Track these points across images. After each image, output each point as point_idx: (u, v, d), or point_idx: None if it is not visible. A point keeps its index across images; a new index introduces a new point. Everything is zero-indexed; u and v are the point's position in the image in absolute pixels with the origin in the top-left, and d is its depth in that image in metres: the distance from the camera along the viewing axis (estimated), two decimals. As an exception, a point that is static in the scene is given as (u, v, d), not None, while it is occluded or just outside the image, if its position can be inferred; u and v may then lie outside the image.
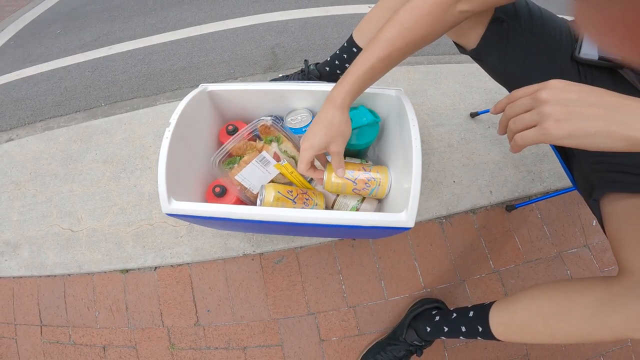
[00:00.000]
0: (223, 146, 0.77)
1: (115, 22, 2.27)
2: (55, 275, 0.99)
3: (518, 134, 0.43)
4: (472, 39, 0.68)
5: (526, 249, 0.98)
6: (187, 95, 0.71)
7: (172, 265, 0.96)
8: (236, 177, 0.74)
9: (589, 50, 0.59)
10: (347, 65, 0.94)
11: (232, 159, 0.78)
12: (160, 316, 0.92)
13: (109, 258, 0.97)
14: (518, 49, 0.65)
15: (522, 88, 0.45)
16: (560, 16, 0.69)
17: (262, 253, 0.96)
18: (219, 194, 0.74)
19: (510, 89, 0.76)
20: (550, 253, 0.98)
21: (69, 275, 0.99)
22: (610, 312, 0.45)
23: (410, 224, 0.56)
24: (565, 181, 1.06)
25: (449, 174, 1.07)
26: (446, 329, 0.73)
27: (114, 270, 0.97)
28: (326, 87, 0.75)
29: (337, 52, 0.95)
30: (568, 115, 0.38)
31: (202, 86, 0.75)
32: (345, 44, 0.92)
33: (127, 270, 0.97)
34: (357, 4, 2.10)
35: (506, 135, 0.47)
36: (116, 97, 1.52)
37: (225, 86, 0.76)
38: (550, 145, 0.73)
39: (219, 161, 0.76)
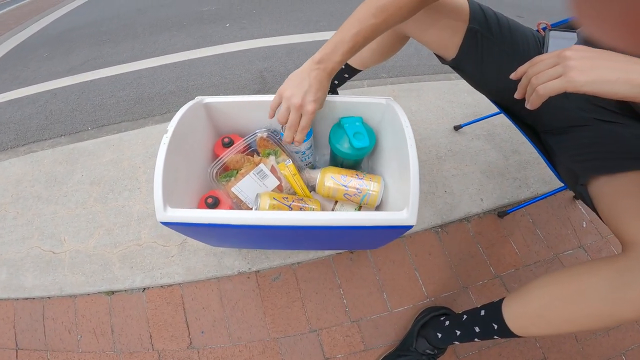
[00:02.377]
0: (220, 157, 0.77)
1: (104, 46, 2.29)
2: (33, 298, 0.93)
3: (541, 85, 0.46)
4: (451, 50, 0.73)
5: (523, 253, 0.99)
6: (184, 106, 0.71)
7: (162, 286, 0.92)
8: (232, 190, 0.73)
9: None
10: (336, 81, 0.98)
11: (229, 173, 0.77)
12: (150, 339, 0.86)
13: (93, 280, 0.93)
14: (492, 56, 0.71)
15: (543, 54, 0.49)
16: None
17: (258, 270, 0.93)
18: (212, 205, 0.72)
19: (488, 95, 0.81)
20: (547, 256, 0.99)
21: (49, 297, 0.93)
22: (627, 286, 0.44)
23: (412, 221, 0.56)
24: (550, 185, 1.11)
25: (440, 184, 1.09)
26: (458, 333, 0.70)
27: (99, 293, 0.92)
28: None
29: None
30: (592, 66, 0.43)
31: (198, 98, 0.76)
32: None
33: (112, 292, 0.92)
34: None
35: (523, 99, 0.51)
36: (103, 121, 1.50)
37: (221, 98, 0.77)
38: (534, 146, 0.76)
39: (216, 173, 0.76)
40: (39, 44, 2.57)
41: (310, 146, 0.82)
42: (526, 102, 0.51)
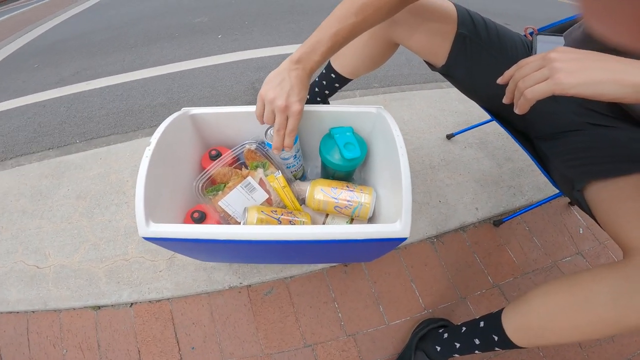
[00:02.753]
0: (206, 170, 0.74)
1: (95, 57, 2.28)
2: (17, 312, 0.90)
3: (528, 88, 0.45)
4: (441, 56, 0.73)
5: (521, 261, 0.98)
6: (169, 118, 0.69)
7: (150, 301, 0.89)
8: (219, 204, 0.71)
9: None
10: (327, 91, 0.96)
11: (216, 187, 0.75)
12: (138, 354, 0.83)
13: (79, 294, 0.89)
14: (481, 61, 0.71)
15: (529, 57, 0.49)
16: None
17: (250, 285, 0.90)
18: (198, 219, 0.70)
19: (479, 101, 0.80)
20: (545, 263, 0.98)
21: (33, 311, 0.90)
22: (632, 294, 0.43)
23: (406, 233, 0.54)
24: (545, 192, 1.10)
25: (434, 194, 1.08)
26: (458, 345, 0.68)
27: (84, 307, 0.89)
28: (310, 108, 0.75)
29: (317, 79, 0.97)
30: (578, 68, 0.42)
31: (184, 109, 0.74)
32: (324, 71, 0.94)
33: (99, 307, 0.89)
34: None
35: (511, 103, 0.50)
36: (92, 133, 1.48)
37: (208, 109, 0.75)
38: (527, 152, 0.76)
39: (202, 186, 0.74)
40: (29, 54, 2.55)
41: (298, 151, 0.80)
42: (514, 106, 0.50)
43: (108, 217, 1.04)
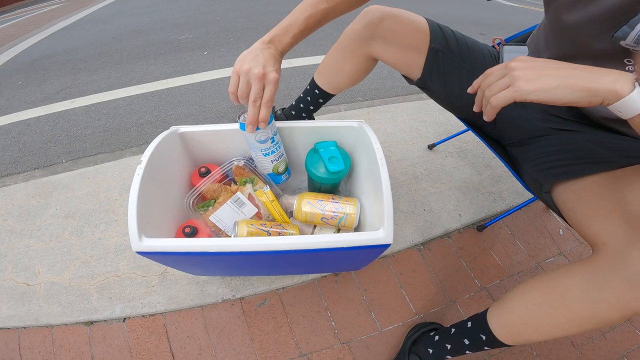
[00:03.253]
0: (196, 187, 0.77)
1: (79, 74, 2.27)
2: (8, 328, 0.89)
3: (493, 96, 0.49)
4: (416, 70, 0.77)
5: (506, 264, 1.02)
6: (158, 136, 0.71)
7: (143, 316, 0.89)
8: (210, 218, 0.73)
9: None
10: (311, 107, 0.99)
11: (206, 202, 0.77)
12: (133, 371, 0.83)
13: (70, 310, 0.89)
14: (454, 73, 0.75)
15: (494, 67, 0.53)
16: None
17: (243, 297, 0.92)
18: (189, 234, 0.72)
19: (454, 112, 0.85)
20: (529, 265, 1.02)
21: (24, 327, 0.89)
22: (601, 287, 0.44)
23: (389, 240, 0.57)
24: (523, 196, 1.15)
25: (419, 203, 1.12)
26: (449, 347, 0.70)
27: (77, 323, 0.89)
28: (295, 124, 0.79)
29: (301, 95, 1.00)
30: (536, 75, 0.46)
31: (173, 128, 0.76)
32: (308, 87, 0.97)
33: (91, 323, 0.89)
34: (315, 55, 2.27)
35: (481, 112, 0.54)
36: (78, 152, 1.47)
37: (196, 127, 0.78)
38: (500, 158, 0.80)
39: (193, 202, 0.76)
40: (13, 71, 2.52)
41: (276, 134, 0.75)
42: (483, 114, 0.53)
43: (98, 235, 1.04)
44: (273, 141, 0.74)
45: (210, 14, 3.56)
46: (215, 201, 0.77)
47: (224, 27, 2.98)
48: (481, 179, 1.21)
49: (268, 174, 0.81)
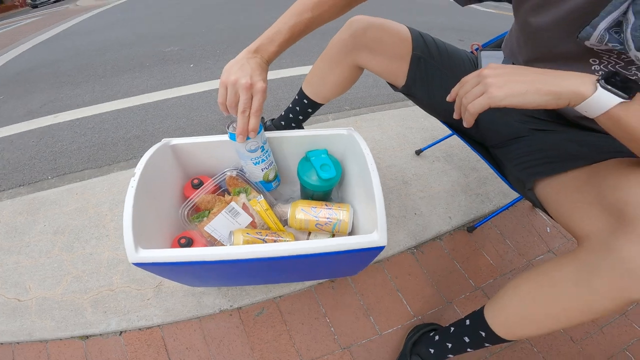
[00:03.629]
0: (190, 198, 0.77)
1: (63, 88, 2.24)
2: (2, 343, 0.87)
3: (470, 104, 0.51)
4: (400, 77, 0.80)
5: (498, 263, 1.04)
6: (150, 149, 0.72)
7: (140, 329, 0.88)
8: (205, 229, 0.73)
9: None
10: (300, 117, 1.00)
11: (201, 213, 0.78)
12: (132, 383, 0.81)
13: (65, 325, 0.87)
14: (436, 80, 0.78)
15: (469, 74, 0.55)
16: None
17: (240, 307, 0.91)
18: (185, 245, 0.72)
19: (438, 117, 0.88)
20: (520, 263, 1.05)
21: (18, 342, 0.87)
22: (589, 278, 0.45)
23: (383, 242, 0.59)
24: (509, 196, 1.19)
25: (409, 207, 1.15)
26: (450, 345, 0.70)
27: (72, 337, 0.87)
28: (286, 133, 0.80)
29: (290, 105, 1.00)
30: (505, 82, 0.48)
31: (165, 140, 0.77)
32: (297, 97, 0.97)
33: (87, 337, 0.87)
34: (302, 66, 2.31)
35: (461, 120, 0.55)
36: (65, 168, 1.45)
37: (187, 139, 0.78)
38: (485, 160, 0.83)
39: (187, 213, 0.76)
40: (-6, 85, 2.46)
41: (265, 142, 0.76)
42: (463, 120, 0.55)
43: (89, 250, 1.02)
44: (263, 150, 0.75)
45: (196, 26, 3.57)
46: (209, 212, 0.77)
47: (210, 40, 2.99)
48: (468, 182, 1.25)
49: (259, 182, 0.82)
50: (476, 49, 0.85)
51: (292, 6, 0.66)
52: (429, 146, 1.33)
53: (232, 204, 0.76)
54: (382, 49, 0.77)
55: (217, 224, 0.74)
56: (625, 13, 0.47)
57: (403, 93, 0.84)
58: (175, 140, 0.78)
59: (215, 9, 4.41)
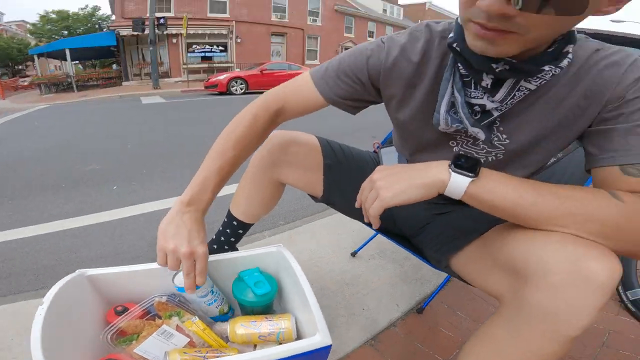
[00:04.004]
0: (113, 323, 0.68)
1: (-39, 210, 1.93)
2: None
3: (370, 208, 0.56)
4: (318, 187, 0.85)
5: (457, 334, 1.04)
6: (60, 281, 0.66)
7: None
8: (135, 351, 0.64)
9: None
10: (232, 239, 0.96)
11: (128, 337, 0.69)
12: None
13: None
14: (347, 184, 0.82)
15: (365, 180, 0.60)
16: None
17: None
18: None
19: (360, 220, 0.89)
20: (477, 328, 1.03)
21: None
22: (519, 329, 0.46)
23: (327, 341, 0.59)
24: (443, 275, 1.22)
25: (356, 305, 1.14)
26: None
27: None
28: (218, 257, 0.81)
29: (221, 228, 0.97)
30: (389, 183, 0.54)
31: (79, 271, 0.70)
32: (226, 219, 0.96)
33: None
34: (228, 185, 2.37)
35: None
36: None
37: (107, 270, 0.73)
38: (408, 250, 0.89)
39: (111, 337, 0.66)
40: None
41: (212, 285, 0.78)
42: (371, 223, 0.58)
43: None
44: (212, 292, 0.77)
45: (120, 138, 3.36)
46: (138, 335, 0.68)
47: (134, 157, 2.88)
48: (405, 270, 1.31)
49: (214, 317, 0.80)
50: (377, 147, 0.93)
51: (211, 149, 0.66)
52: (362, 246, 1.41)
53: (164, 326, 0.69)
54: (297, 162, 0.81)
55: (148, 346, 0.65)
56: (453, 93, 0.55)
57: (323, 203, 0.88)
58: (92, 271, 0.72)
59: (143, 125, 4.25)
